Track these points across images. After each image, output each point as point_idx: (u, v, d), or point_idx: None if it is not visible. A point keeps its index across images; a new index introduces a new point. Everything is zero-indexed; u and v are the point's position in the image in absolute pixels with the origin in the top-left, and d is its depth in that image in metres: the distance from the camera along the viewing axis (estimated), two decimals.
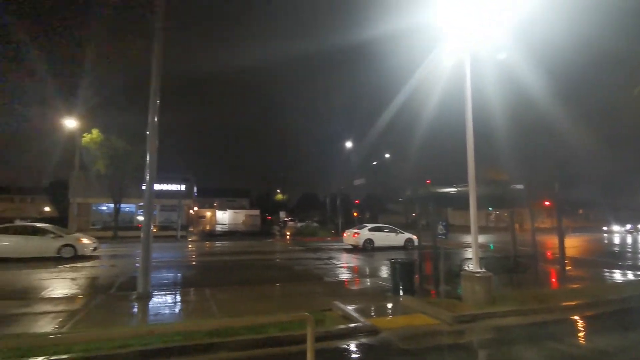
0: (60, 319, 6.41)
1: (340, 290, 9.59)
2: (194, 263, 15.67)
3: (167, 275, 12.05)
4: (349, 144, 32.40)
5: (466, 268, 7.91)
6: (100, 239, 24.56)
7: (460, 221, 29.62)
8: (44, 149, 28.66)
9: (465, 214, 17.82)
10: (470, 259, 7.76)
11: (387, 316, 7.03)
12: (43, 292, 8.90)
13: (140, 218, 30.55)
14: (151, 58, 8.56)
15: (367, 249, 18.96)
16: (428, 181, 17.22)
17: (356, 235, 19.55)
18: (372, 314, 6.93)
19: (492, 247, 19.11)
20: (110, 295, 8.57)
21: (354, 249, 19.32)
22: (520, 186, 9.76)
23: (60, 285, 9.85)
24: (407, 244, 19.51)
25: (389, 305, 7.73)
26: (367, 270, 13.51)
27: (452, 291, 8.00)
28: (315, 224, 37.93)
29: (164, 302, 7.85)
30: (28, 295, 8.56)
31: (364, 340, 5.66)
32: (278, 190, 65.84)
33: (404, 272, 8.23)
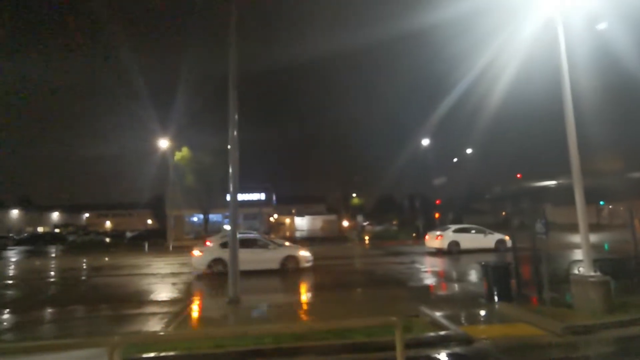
0: (167, 319, 7.08)
1: (425, 295, 9.10)
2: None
3: (252, 282, 12.65)
4: (425, 142, 31.02)
5: (576, 271, 6.89)
6: (193, 248, 27.05)
7: (561, 219, 26.21)
8: (145, 167, 32.66)
9: (568, 210, 15.60)
10: (580, 261, 6.74)
11: (482, 324, 6.43)
12: (156, 295, 9.98)
13: (227, 227, 32.98)
14: (228, 78, 9.14)
15: (452, 252, 17.64)
16: (519, 175, 15.58)
17: (440, 237, 18.23)
18: (464, 321, 6.39)
19: (606, 248, 16.56)
20: (206, 300, 9.27)
21: (438, 252, 18.28)
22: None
23: (165, 289, 10.95)
24: (499, 246, 17.63)
25: (483, 313, 7.07)
26: (454, 274, 12.66)
27: (559, 298, 7.02)
28: (394, 227, 36.99)
29: (252, 307, 8.23)
30: (142, 298, 9.67)
31: (456, 349, 5.22)
32: (354, 195, 65.85)
33: (499, 276, 7.47)
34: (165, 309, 8.12)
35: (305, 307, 7.84)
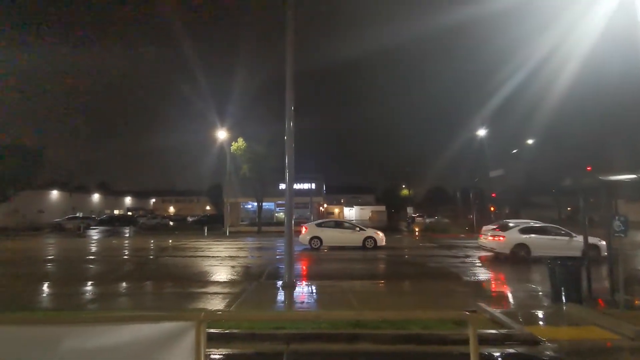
0: (228, 299, 7.60)
1: (483, 291, 8.79)
2: (327, 257, 16.58)
3: (304, 268, 13.06)
4: (481, 132, 29.38)
5: None
6: (247, 233, 28.48)
7: (635, 216, 23.42)
8: (205, 157, 34.70)
9: None
10: None
11: (548, 325, 6.10)
12: (217, 276, 10.72)
13: (278, 215, 34.09)
14: (285, 72, 9.34)
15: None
16: (589, 168, 14.18)
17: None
18: (527, 321, 6.11)
19: None
20: (262, 283, 9.75)
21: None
22: None
23: (225, 271, 11.68)
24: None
25: (548, 313, 6.69)
26: (513, 271, 12.04)
27: (634, 301, 6.44)
28: (445, 220, 35.80)
29: (307, 292, 8.52)
30: (205, 278, 10.42)
31: (520, 349, 5.03)
32: (403, 186, 64.47)
33: (568, 276, 6.99)
34: (226, 290, 8.69)
35: (357, 295, 7.95)
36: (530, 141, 30.55)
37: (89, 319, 2.36)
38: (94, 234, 30.70)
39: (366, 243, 16.84)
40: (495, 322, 5.85)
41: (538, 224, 15.15)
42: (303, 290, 8.59)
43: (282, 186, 31.69)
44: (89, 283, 9.78)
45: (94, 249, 19.53)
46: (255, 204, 30.46)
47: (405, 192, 63.70)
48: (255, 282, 9.76)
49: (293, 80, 9.30)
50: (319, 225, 17.71)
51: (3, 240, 24.14)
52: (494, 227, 17.41)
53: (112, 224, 38.41)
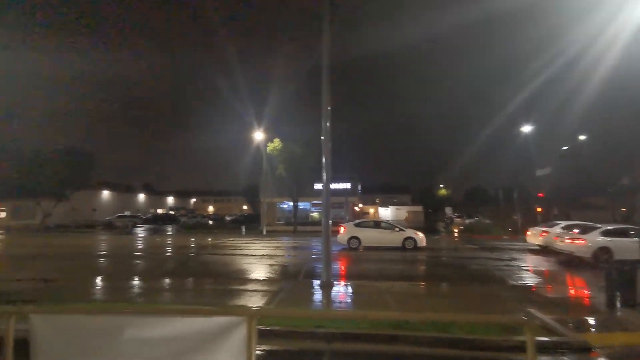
0: (267, 297, 7.76)
1: (530, 296, 8.34)
2: (365, 257, 16.45)
3: (342, 267, 13.05)
4: (526, 128, 27.85)
5: None
6: (283, 233, 28.92)
7: None
8: (242, 158, 35.68)
9: None
10: None
11: (601, 331, 5.69)
12: (256, 274, 10.98)
13: (314, 215, 34.32)
14: (321, 73, 9.39)
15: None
16: None
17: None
18: (580, 327, 5.73)
19: None
20: (299, 282, 9.85)
21: (542, 250, 16.52)
22: None
23: (263, 269, 11.92)
24: None
25: (601, 319, 6.25)
26: (563, 275, 11.34)
27: None
28: (487, 221, 34.37)
29: (344, 292, 8.51)
30: (244, 276, 10.71)
31: (573, 357, 4.73)
32: (441, 185, 62.70)
33: (623, 280, 6.49)
34: (264, 288, 8.87)
35: (395, 296, 7.83)
36: (582, 137, 28.57)
37: (148, 310, 2.50)
38: (140, 231, 32.49)
39: (405, 244, 16.58)
40: (546, 329, 5.54)
41: (620, 226, 14.18)
42: (341, 290, 8.58)
43: (318, 186, 32.02)
44: (137, 278, 10.36)
45: (140, 245, 20.67)
46: (291, 203, 30.86)
47: (442, 191, 61.87)
48: (292, 280, 9.89)
49: (329, 81, 9.32)
50: (357, 225, 17.65)
51: (63, 236, 26.18)
52: (544, 228, 16.70)
53: (156, 223, 40.47)
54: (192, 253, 16.90)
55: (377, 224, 18.32)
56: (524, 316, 6.13)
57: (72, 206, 38.91)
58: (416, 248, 16.46)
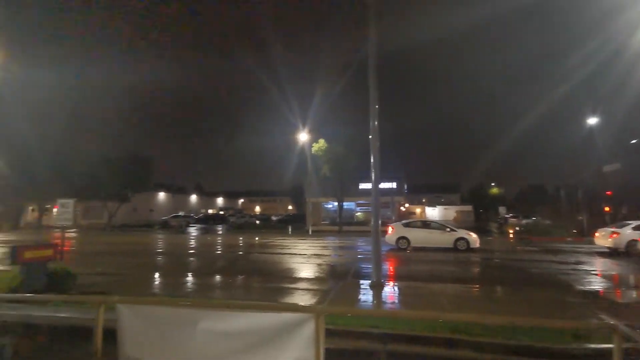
0: (318, 296, 7.82)
1: (601, 302, 7.65)
2: (415, 258, 16.07)
3: (390, 268, 12.82)
4: (591, 121, 25.50)
5: None
6: (328, 232, 29.05)
7: None
8: (287, 159, 36.38)
9: None
10: None
11: None
12: (305, 273, 11.14)
13: (359, 214, 34.12)
14: (367, 72, 9.29)
15: (630, 253, 14.43)
16: None
17: (615, 235, 15.08)
18: None
19: None
20: (349, 282, 9.82)
21: (613, 254, 15.13)
22: None
23: (312, 268, 12.05)
24: None
25: None
26: (636, 280, 10.29)
27: None
28: (546, 221, 32.07)
29: (395, 292, 8.36)
30: (294, 275, 10.90)
31: None
32: (493, 184, 59.54)
33: None
34: (314, 286, 8.95)
35: (449, 298, 7.54)
36: None
37: (220, 305, 2.62)
38: (193, 230, 34.26)
39: (458, 245, 15.96)
40: (625, 338, 5.03)
41: None
42: (392, 291, 8.44)
43: (362, 186, 31.81)
44: (194, 274, 10.93)
45: (194, 244, 21.80)
46: (336, 203, 30.93)
47: (494, 190, 58.68)
48: (342, 280, 9.88)
49: (376, 79, 9.20)
50: (406, 225, 17.34)
51: (125, 235, 28.35)
52: (614, 229, 15.50)
53: (207, 222, 42.44)
54: (242, 252, 17.50)
55: (427, 224, 17.79)
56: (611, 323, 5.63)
57: (133, 207, 41.98)
58: (469, 249, 15.76)
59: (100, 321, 2.43)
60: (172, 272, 11.35)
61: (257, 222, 45.69)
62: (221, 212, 54.64)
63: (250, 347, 2.27)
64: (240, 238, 24.44)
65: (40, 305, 6.11)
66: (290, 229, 29.74)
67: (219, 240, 24.45)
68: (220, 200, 74.42)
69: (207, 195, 70.57)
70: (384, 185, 31.87)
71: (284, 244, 20.27)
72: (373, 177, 9.06)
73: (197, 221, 42.48)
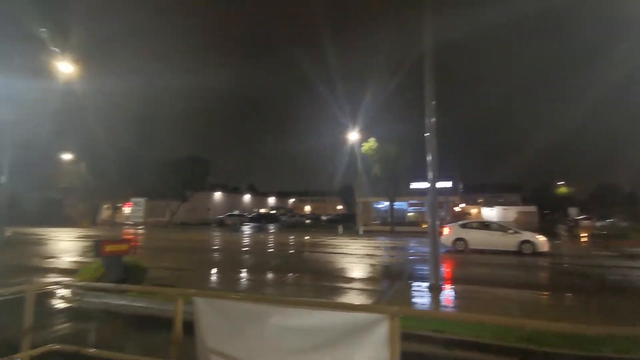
0: (375, 297, 7.72)
1: None
2: (473, 261, 15.30)
3: (449, 270, 12.30)
4: None
5: None
6: (380, 233, 28.63)
7: None
8: (337, 158, 36.49)
9: None
10: None
11: None
12: (359, 273, 11.08)
13: (411, 214, 33.22)
14: (423, 67, 8.98)
15: None
16: None
17: None
18: None
19: None
20: (404, 283, 9.57)
21: None
22: None
23: (365, 268, 11.94)
24: None
25: None
26: None
27: None
28: (623, 223, 28.86)
29: (455, 296, 8.00)
30: (348, 274, 10.88)
31: None
32: (560, 182, 54.79)
33: None
34: (369, 287, 8.86)
35: (516, 304, 7.03)
36: None
37: (290, 301, 2.66)
38: (247, 229, 35.61)
39: (522, 248, 14.83)
40: None
41: None
42: (452, 294, 8.08)
43: (414, 185, 30.90)
44: (249, 271, 11.32)
45: (248, 242, 22.62)
46: (387, 203, 30.40)
47: (563, 189, 53.97)
48: (397, 281, 9.67)
49: (432, 74, 8.87)
50: (463, 226, 16.51)
51: (185, 232, 30.23)
52: None
53: (260, 221, 43.87)
54: (295, 250, 17.84)
55: (487, 225, 16.74)
56: None
57: (192, 206, 44.63)
58: (536, 253, 14.60)
59: (179, 312, 2.58)
60: (231, 269, 11.86)
61: (307, 221, 46.35)
62: (272, 212, 56.25)
63: (322, 345, 2.27)
64: (292, 237, 24.94)
65: (119, 295, 6.68)
66: (341, 229, 29.77)
67: (272, 238, 25.15)
68: (271, 200, 76.61)
69: (260, 195, 73.00)
70: (438, 184, 30.73)
71: (335, 243, 20.33)
72: (430, 176, 8.78)
73: (251, 220, 44.12)
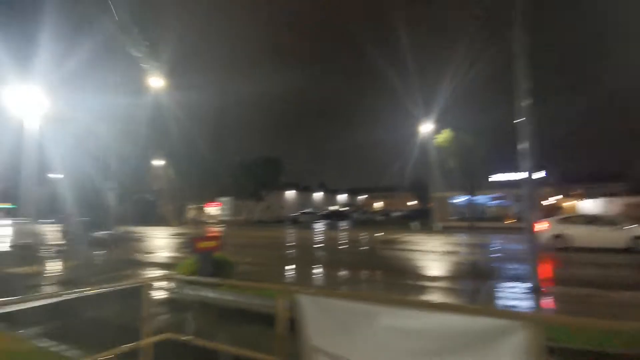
0: (465, 297, 7.16)
1: None
2: (577, 260, 13.58)
3: (548, 270, 11.01)
4: None
5: None
6: (458, 229, 26.95)
7: None
8: (407, 152, 35.19)
9: None
10: None
11: None
12: (444, 271, 10.48)
13: (492, 209, 30.75)
14: (513, 44, 8.10)
15: None
16: None
17: None
18: None
19: None
20: (496, 284, 8.76)
21: None
22: None
23: (451, 267, 11.26)
24: None
25: None
26: None
27: None
28: None
29: (561, 300, 7.08)
30: (432, 273, 10.35)
31: None
32: None
33: None
34: (457, 286, 8.28)
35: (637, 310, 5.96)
36: None
37: (401, 301, 2.48)
38: (319, 226, 36.15)
39: (637, 244, 12.88)
40: None
41: None
42: (559, 297, 7.17)
43: (494, 178, 28.48)
44: (329, 268, 11.33)
45: (323, 238, 22.88)
46: (465, 197, 28.53)
47: None
48: (487, 281, 8.90)
49: (524, 50, 7.95)
50: (563, 220, 14.80)
51: (262, 229, 31.70)
52: None
53: (331, 218, 44.30)
54: (370, 247, 17.56)
55: (592, 218, 14.71)
56: None
57: (267, 204, 46.74)
58: None
59: (282, 308, 2.53)
60: (311, 265, 12.01)
61: (379, 218, 45.63)
62: (343, 209, 56.48)
63: (441, 351, 2.04)
64: (365, 234, 24.64)
65: (212, 288, 7.11)
66: (414, 225, 28.70)
67: (345, 235, 25.14)
68: (342, 197, 77.04)
69: (330, 193, 73.87)
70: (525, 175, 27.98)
71: (410, 240, 19.60)
72: (526, 166, 7.93)
73: (322, 217, 44.76)
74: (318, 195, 68.36)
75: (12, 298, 2.53)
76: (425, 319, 2.12)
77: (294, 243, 20.70)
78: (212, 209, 44.92)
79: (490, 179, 28.94)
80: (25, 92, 13.26)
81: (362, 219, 43.50)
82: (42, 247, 15.69)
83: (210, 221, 43.40)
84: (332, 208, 59.67)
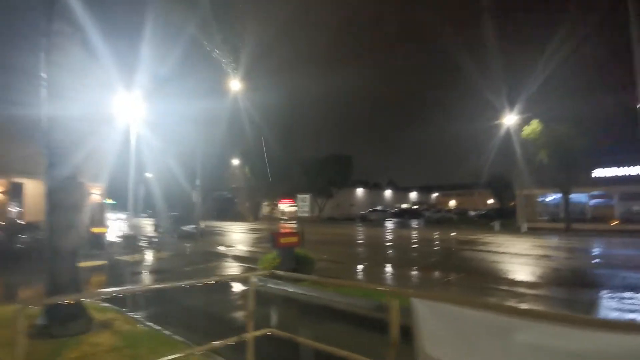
0: (580, 309, 6.24)
1: None
2: None
3: None
4: None
5: None
6: (549, 231, 24.18)
7: None
8: (486, 147, 32.52)
9: None
10: None
11: None
12: (532, 278, 9.40)
13: (593, 208, 27.03)
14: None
15: None
16: None
17: None
18: None
19: None
20: (614, 294, 7.55)
21: None
22: None
23: (544, 273, 10.06)
24: None
25: None
26: None
27: None
28: None
29: None
30: (520, 277, 9.33)
31: None
32: None
33: None
34: (564, 295, 7.29)
35: None
36: None
37: (541, 314, 2.10)
38: (390, 224, 35.27)
39: None
40: None
41: None
42: None
43: (597, 173, 24.89)
44: (405, 267, 10.83)
45: (395, 237, 22.21)
46: (558, 195, 25.50)
47: None
48: (603, 291, 7.70)
49: None
50: None
51: (333, 227, 31.89)
52: None
53: (402, 216, 42.97)
54: (448, 247, 16.53)
55: None
56: None
57: (337, 202, 46.98)
58: None
59: (396, 312, 2.29)
60: (388, 264, 11.65)
61: (454, 216, 43.07)
62: (415, 207, 54.52)
63: None
64: (439, 234, 23.35)
65: (294, 284, 7.16)
66: (497, 226, 26.46)
67: (419, 235, 24.13)
68: (413, 195, 74.50)
69: (401, 190, 71.87)
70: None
71: (494, 241, 18.04)
72: None
73: (393, 215, 43.65)
74: (388, 193, 66.93)
75: (135, 286, 2.66)
76: (579, 337, 1.72)
77: (365, 240, 20.39)
78: (286, 206, 46.52)
79: (593, 175, 25.29)
80: (130, 100, 14.91)
81: (435, 217, 41.45)
82: (141, 238, 17.59)
83: (286, 217, 45.01)
84: (403, 206, 57.90)
